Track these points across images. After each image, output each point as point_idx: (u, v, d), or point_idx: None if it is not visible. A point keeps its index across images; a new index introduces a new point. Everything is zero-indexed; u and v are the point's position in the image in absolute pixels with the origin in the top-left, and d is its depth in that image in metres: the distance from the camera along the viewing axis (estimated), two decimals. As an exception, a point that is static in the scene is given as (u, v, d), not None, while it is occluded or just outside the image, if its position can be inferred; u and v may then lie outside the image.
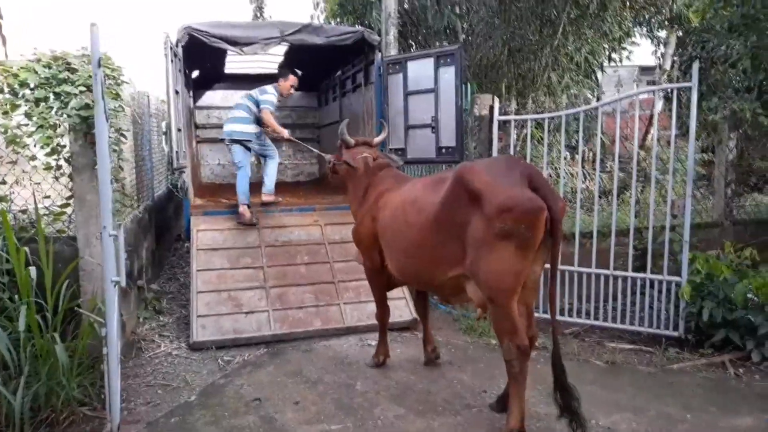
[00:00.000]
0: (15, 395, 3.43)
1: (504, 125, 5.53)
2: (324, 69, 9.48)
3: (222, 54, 8.22)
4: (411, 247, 3.93)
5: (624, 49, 13.85)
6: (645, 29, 14.05)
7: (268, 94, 6.59)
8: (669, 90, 5.07)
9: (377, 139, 5.01)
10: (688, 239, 4.66)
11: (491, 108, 5.51)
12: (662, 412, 3.86)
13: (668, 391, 4.22)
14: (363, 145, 4.81)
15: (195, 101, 10.35)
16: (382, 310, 4.68)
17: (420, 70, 6.30)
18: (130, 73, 6.00)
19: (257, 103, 6.61)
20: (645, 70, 18.90)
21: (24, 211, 4.79)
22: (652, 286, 4.88)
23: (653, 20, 13.54)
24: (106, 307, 3.27)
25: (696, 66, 4.54)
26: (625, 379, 4.39)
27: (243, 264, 5.87)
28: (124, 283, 3.39)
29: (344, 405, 4.03)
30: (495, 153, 5.48)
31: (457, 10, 12.65)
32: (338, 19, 13.64)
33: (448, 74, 6.04)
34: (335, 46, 6.97)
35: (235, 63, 9.44)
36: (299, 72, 10.02)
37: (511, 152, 5.43)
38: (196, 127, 10.36)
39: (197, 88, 10.28)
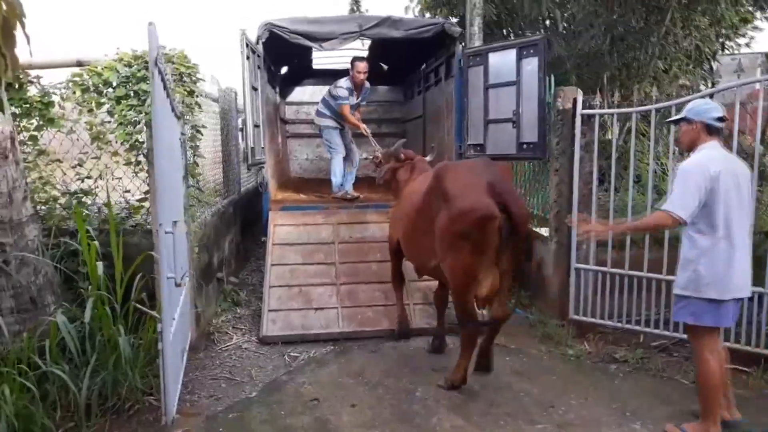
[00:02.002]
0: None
1: (589, 119, 5.15)
2: (409, 62, 9.35)
3: (308, 50, 8.30)
4: (408, 233, 4.48)
5: (743, 35, 12.69)
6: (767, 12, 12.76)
7: (338, 88, 7.02)
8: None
9: (427, 159, 5.48)
10: (796, 248, 4.12)
11: (574, 101, 5.15)
12: (757, 445, 3.44)
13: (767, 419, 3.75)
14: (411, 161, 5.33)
15: (284, 97, 10.54)
16: (395, 281, 5.18)
17: (501, 62, 6.00)
18: (218, 69, 6.22)
19: (334, 98, 6.98)
20: (772, 56, 17.26)
21: (107, 205, 5.02)
22: (751, 299, 4.35)
23: (778, 2, 12.24)
24: (161, 302, 3.31)
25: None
26: (715, 403, 3.94)
27: (316, 260, 5.87)
28: (179, 280, 3.43)
29: (401, 411, 3.89)
30: (578, 149, 5.12)
31: (556, -2, 12.08)
32: (432, 12, 13.47)
33: (531, 66, 5.70)
34: (417, 39, 6.82)
35: (324, 58, 9.50)
36: (385, 66, 10.00)
37: (595, 148, 5.04)
38: (285, 122, 10.55)
39: (287, 84, 10.45)
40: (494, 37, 10.93)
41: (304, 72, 10.25)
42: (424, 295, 5.40)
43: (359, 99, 7.23)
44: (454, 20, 11.09)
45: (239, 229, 7.63)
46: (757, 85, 4.30)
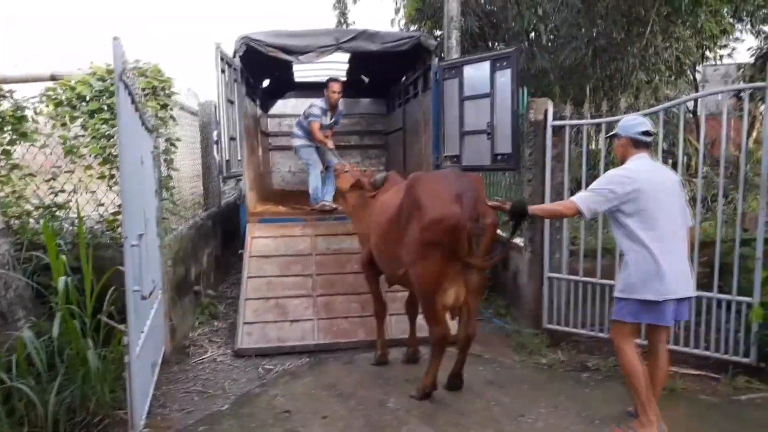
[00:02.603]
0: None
1: (560, 130, 5.21)
2: (390, 75, 9.40)
3: (289, 63, 8.34)
4: (380, 243, 4.52)
5: (724, 46, 12.85)
6: (747, 24, 12.93)
7: (312, 107, 7.09)
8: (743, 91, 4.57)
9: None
10: (761, 256, 4.16)
11: (545, 113, 5.21)
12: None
13: (734, 426, 3.78)
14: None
15: (266, 110, 10.57)
16: (378, 304, 5.02)
17: (476, 75, 6.06)
18: (204, 83, 6.26)
19: (306, 117, 7.13)
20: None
21: (81, 219, 5.01)
22: (719, 306, 4.41)
23: (756, 15, 12.41)
24: (128, 316, 3.31)
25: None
26: (682, 410, 3.96)
27: (293, 272, 5.87)
28: (146, 293, 3.44)
29: (372, 422, 3.90)
30: (549, 159, 5.17)
31: (540, 12, 12.19)
32: (416, 24, 13.58)
33: (505, 78, 5.76)
34: (395, 52, 6.87)
35: (307, 71, 9.54)
36: (366, 79, 10.06)
37: (566, 158, 5.10)
38: (267, 135, 10.58)
39: (268, 97, 10.49)
40: (478, 49, 11.01)
41: (285, 85, 10.28)
42: (402, 305, 5.40)
43: (332, 119, 7.33)
44: (438, 33, 11.19)
45: (219, 241, 7.62)
46: (719, 97, 4.37)
